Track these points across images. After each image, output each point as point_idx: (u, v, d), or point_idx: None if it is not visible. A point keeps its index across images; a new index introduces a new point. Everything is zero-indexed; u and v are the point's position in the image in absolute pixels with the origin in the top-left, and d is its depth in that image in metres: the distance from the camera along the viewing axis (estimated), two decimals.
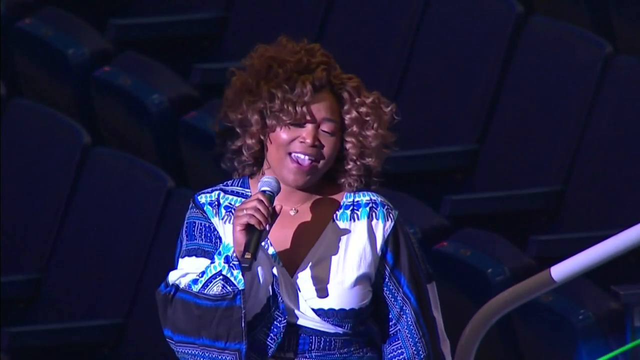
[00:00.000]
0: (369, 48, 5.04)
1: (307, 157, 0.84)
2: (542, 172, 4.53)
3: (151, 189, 4.52)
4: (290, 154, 0.85)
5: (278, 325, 0.82)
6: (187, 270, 0.86)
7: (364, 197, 0.89)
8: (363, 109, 0.87)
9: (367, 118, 0.87)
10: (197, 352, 0.82)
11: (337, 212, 0.88)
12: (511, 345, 3.96)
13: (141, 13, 5.80)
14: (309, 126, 0.85)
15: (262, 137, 0.88)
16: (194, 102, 5.12)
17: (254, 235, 0.77)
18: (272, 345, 0.82)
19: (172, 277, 0.86)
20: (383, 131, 0.88)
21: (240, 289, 0.79)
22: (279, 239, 0.87)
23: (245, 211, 0.78)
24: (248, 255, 0.76)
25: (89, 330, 4.39)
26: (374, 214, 0.88)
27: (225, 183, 0.93)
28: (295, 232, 0.87)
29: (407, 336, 0.86)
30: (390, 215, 0.89)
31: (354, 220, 0.88)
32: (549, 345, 3.82)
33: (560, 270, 1.60)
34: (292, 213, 0.88)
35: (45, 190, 4.77)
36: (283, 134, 0.86)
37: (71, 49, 5.33)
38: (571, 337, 3.69)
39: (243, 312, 0.79)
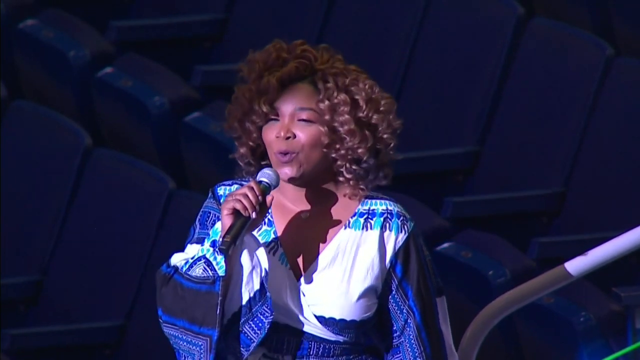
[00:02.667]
0: (370, 50, 5.04)
1: (283, 150, 0.84)
2: (543, 174, 4.53)
3: (152, 190, 4.53)
4: (275, 151, 0.85)
5: (263, 320, 0.80)
6: (190, 255, 0.86)
7: (380, 206, 0.88)
8: (335, 94, 0.85)
9: (336, 100, 0.85)
10: (177, 334, 0.82)
11: (350, 219, 0.87)
12: (513, 347, 3.96)
13: (142, 15, 5.81)
14: (282, 120, 0.86)
15: (251, 144, 0.89)
16: (195, 104, 5.13)
17: (238, 220, 0.77)
18: (255, 340, 0.81)
19: (175, 259, 0.86)
20: (363, 113, 0.86)
21: (220, 275, 0.79)
22: (289, 241, 0.86)
23: (234, 196, 0.79)
24: (227, 239, 0.76)
25: (90, 332, 4.39)
26: (387, 225, 0.86)
27: (247, 178, 0.92)
28: (306, 236, 0.86)
29: (407, 349, 0.85)
30: (405, 227, 0.87)
31: (367, 230, 0.86)
32: (550, 347, 3.82)
33: (576, 265, 1.59)
34: (303, 216, 0.87)
35: (46, 192, 4.77)
36: (267, 134, 0.86)
37: (72, 51, 5.34)
38: (572, 339, 3.69)
39: (219, 299, 0.78)
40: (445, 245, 4.06)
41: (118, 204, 4.60)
